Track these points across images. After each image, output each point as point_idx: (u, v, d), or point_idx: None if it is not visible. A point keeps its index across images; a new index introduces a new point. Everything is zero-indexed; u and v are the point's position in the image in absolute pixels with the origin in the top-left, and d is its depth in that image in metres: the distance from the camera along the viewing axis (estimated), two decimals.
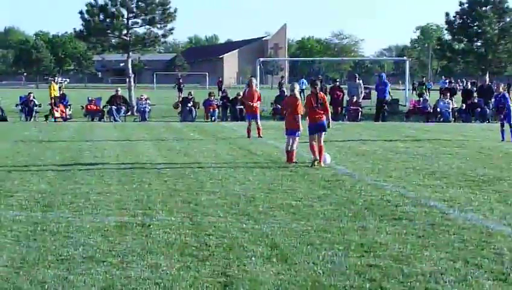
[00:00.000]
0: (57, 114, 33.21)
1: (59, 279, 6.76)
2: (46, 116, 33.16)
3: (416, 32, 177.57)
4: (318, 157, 15.25)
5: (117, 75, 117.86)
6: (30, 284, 6.60)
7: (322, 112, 15.57)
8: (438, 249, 7.91)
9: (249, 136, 22.50)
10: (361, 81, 37.71)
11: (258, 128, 22.71)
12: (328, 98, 17.05)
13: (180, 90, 67.35)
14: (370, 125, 30.17)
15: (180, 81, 69.31)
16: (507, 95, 24.09)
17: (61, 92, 35.27)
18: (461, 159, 16.59)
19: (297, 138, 15.90)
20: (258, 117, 23.29)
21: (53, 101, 33.75)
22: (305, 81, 59.08)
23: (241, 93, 32.49)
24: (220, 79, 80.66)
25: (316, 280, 6.75)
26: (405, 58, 62.24)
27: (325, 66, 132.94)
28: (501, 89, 23.37)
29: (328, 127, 15.79)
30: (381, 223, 9.30)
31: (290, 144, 15.86)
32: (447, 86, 45.33)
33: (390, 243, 8.15)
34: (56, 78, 35.02)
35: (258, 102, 23.59)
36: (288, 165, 15.32)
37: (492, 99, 34.15)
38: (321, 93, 16.00)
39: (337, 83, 37.51)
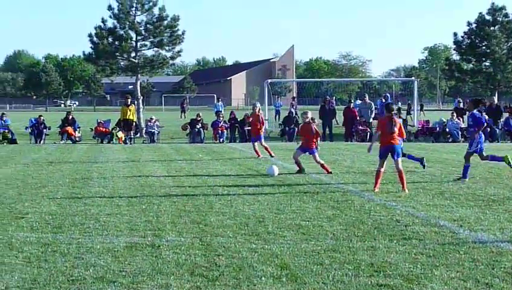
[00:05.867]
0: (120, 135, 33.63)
1: None
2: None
3: (424, 53, 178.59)
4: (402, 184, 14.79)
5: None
6: None
7: (395, 136, 15.10)
8: (448, 268, 7.89)
9: (258, 155, 22.58)
10: (371, 101, 37.47)
11: (266, 148, 22.78)
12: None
13: (183, 111, 68.39)
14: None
15: (185, 102, 70.70)
16: None
17: (70, 116, 35.26)
18: (471, 179, 16.55)
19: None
20: (262, 138, 23.28)
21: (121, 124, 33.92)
22: (281, 103, 59.92)
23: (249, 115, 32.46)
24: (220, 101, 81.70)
25: None
26: (413, 78, 62.29)
27: (333, 87, 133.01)
28: None
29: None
30: (391, 242, 9.29)
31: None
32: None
33: (401, 263, 8.14)
34: (129, 100, 34.38)
35: (262, 125, 23.55)
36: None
37: (502, 119, 34.36)
38: (396, 118, 15.40)
39: (351, 105, 36.94)
